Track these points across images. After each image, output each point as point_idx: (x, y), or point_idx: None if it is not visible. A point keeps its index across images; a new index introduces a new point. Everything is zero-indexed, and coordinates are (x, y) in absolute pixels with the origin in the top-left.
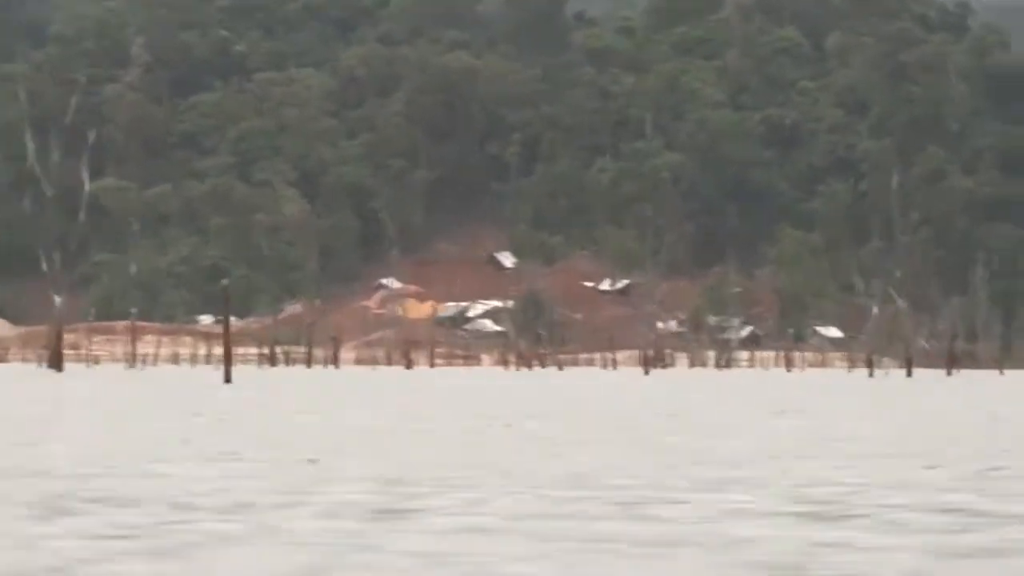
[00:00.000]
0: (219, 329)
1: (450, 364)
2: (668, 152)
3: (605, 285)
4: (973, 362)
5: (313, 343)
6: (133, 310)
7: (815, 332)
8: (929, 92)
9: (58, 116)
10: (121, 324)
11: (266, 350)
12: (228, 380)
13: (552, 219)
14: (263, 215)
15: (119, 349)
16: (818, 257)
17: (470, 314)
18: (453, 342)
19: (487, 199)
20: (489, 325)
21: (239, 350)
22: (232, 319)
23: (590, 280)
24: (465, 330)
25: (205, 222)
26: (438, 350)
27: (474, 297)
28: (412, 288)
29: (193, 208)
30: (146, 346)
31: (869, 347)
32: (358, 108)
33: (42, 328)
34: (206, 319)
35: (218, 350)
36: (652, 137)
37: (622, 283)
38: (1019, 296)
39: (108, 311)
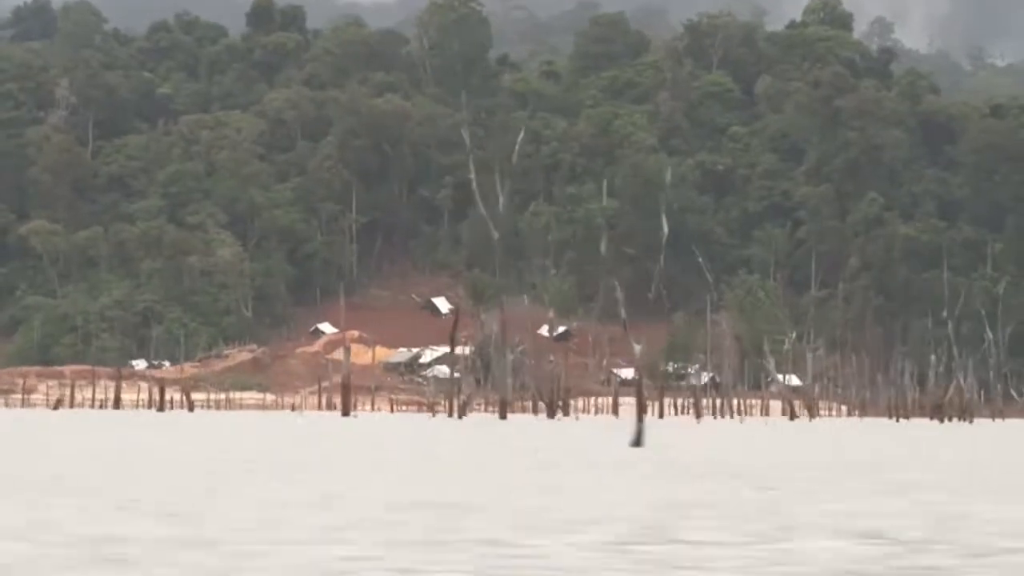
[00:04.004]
0: (168, 374)
1: (412, 410)
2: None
3: (543, 331)
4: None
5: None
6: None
7: (774, 379)
8: (865, 138)
9: None
10: (69, 368)
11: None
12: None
13: (485, 264)
14: (196, 258)
15: (83, 393)
16: (776, 303)
17: (422, 360)
18: (411, 389)
19: (419, 243)
20: (445, 371)
21: (198, 396)
22: (167, 364)
23: (527, 324)
24: (423, 376)
25: (136, 265)
26: (397, 397)
27: (411, 342)
28: (355, 333)
29: (124, 251)
30: (101, 391)
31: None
32: (288, 151)
33: None
34: (139, 364)
35: (175, 395)
36: (585, 181)
37: (560, 329)
38: (960, 343)
39: (44, 355)
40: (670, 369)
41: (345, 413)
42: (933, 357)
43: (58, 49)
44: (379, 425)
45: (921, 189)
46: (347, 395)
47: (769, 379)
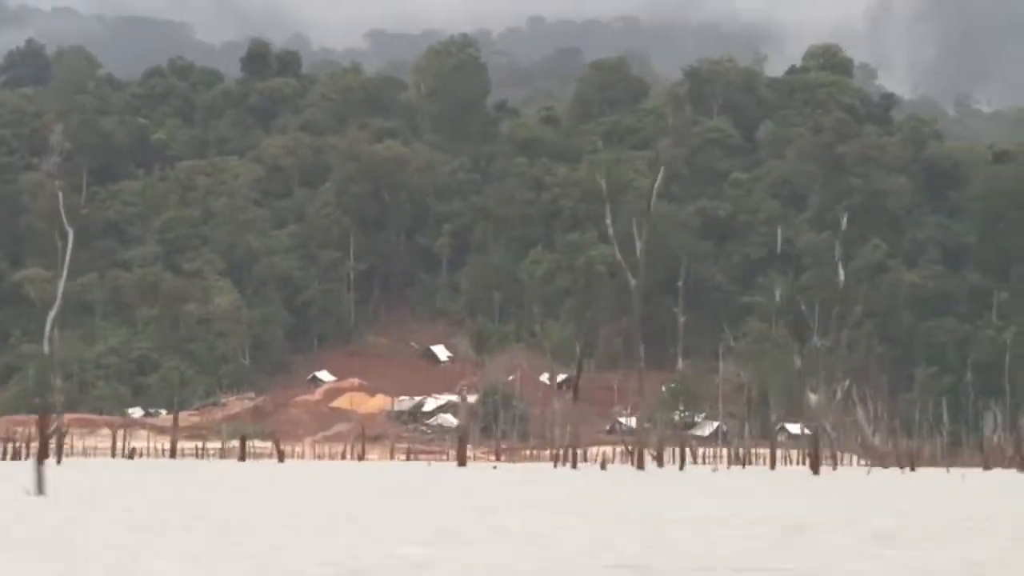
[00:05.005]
0: (166, 422)
1: (417, 458)
2: (603, 244)
3: (543, 378)
4: (921, 461)
5: (269, 437)
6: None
7: (783, 428)
8: (868, 184)
9: None
10: (68, 417)
11: (232, 443)
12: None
13: (485, 311)
14: (193, 306)
15: (84, 442)
16: (783, 351)
17: (425, 408)
18: (416, 437)
19: (417, 290)
20: (451, 419)
21: (194, 444)
22: (163, 412)
23: (527, 372)
24: (427, 425)
25: (132, 313)
26: (401, 445)
27: (410, 390)
28: (355, 382)
29: (120, 298)
30: (102, 439)
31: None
32: (286, 198)
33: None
34: (135, 412)
35: (184, 443)
36: (586, 228)
37: (560, 377)
38: (966, 392)
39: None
40: (676, 418)
41: (461, 463)
42: (992, 411)
43: (52, 94)
44: (538, 475)
45: (925, 236)
46: (463, 448)
47: (778, 427)
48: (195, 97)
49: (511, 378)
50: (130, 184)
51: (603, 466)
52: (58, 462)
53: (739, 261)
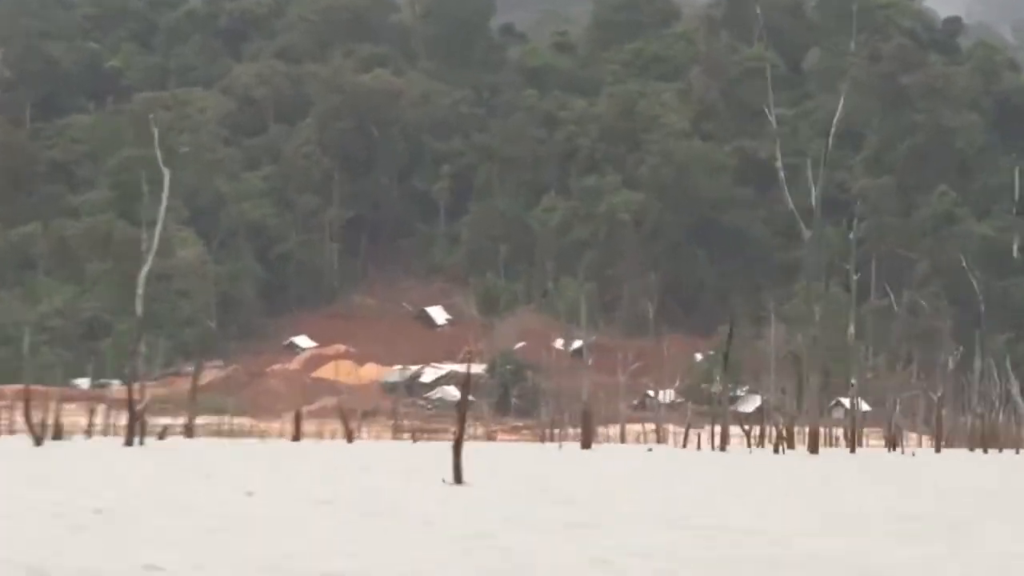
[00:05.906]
0: (122, 394)
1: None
2: (626, 190)
3: (558, 344)
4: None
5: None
6: None
7: (838, 403)
8: (933, 121)
9: None
10: (11, 388)
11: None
12: None
13: (490, 267)
14: (152, 260)
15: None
16: (842, 316)
17: (423, 379)
18: (415, 412)
19: (411, 243)
20: (454, 392)
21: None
22: (115, 383)
23: (539, 338)
24: (427, 398)
25: (80, 268)
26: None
27: (403, 358)
28: (341, 348)
29: (67, 251)
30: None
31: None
32: (259, 135)
33: None
34: (82, 382)
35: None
36: (605, 171)
37: (576, 343)
38: None
39: None
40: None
41: (586, 445)
42: None
43: None
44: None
45: (997, 182)
46: (588, 427)
47: (833, 403)
48: (155, 19)
49: (519, 344)
50: (80, 119)
51: (776, 449)
52: (141, 443)
53: (783, 210)
